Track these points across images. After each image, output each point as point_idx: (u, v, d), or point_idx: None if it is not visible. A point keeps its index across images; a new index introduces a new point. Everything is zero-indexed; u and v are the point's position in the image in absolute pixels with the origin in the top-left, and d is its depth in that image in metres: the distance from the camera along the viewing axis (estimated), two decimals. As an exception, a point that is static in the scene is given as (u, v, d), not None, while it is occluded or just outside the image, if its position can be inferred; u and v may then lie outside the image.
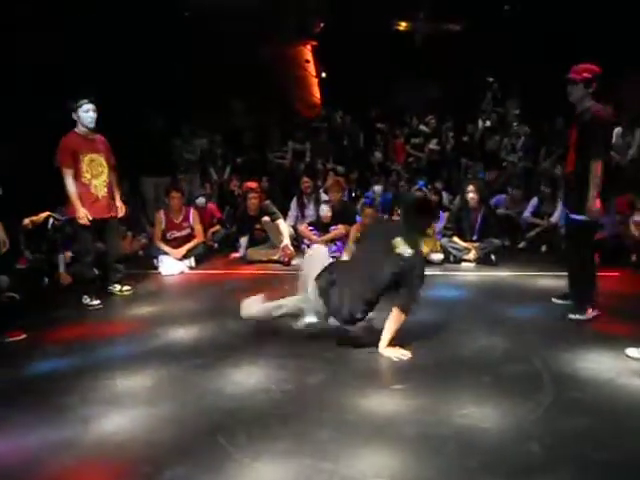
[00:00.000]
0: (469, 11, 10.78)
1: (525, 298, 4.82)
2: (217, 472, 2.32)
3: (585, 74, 3.93)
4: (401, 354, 3.41)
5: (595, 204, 3.82)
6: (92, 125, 4.94)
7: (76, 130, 4.94)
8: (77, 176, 4.89)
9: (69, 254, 5.78)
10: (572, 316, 4.10)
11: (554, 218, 6.84)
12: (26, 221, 5.79)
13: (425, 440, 2.50)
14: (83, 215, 4.84)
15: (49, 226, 5.92)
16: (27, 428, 2.78)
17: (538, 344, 3.61)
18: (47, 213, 5.99)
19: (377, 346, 3.51)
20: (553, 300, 4.52)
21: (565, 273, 4.45)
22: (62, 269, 5.70)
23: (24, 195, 5.76)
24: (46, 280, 5.66)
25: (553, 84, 9.16)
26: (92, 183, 4.96)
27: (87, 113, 4.88)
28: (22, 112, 6.78)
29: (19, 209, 5.76)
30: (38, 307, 4.98)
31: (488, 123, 10.19)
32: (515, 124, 9.60)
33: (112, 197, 5.17)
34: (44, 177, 5.27)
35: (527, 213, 7.17)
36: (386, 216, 7.43)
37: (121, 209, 5.28)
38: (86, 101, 4.88)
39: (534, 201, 7.21)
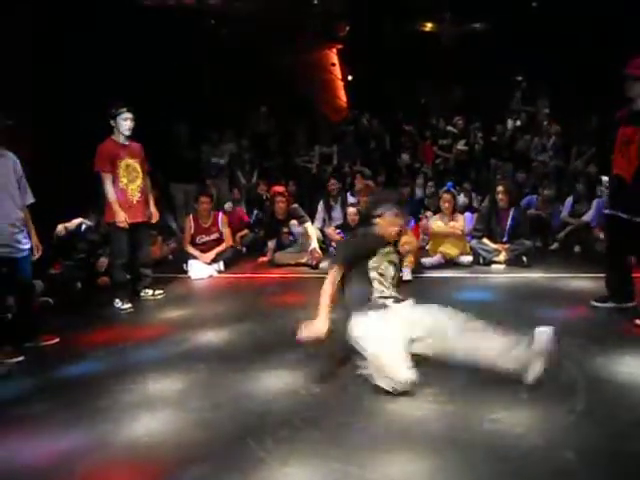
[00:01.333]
0: (496, 10, 10.65)
1: (558, 300, 4.71)
2: (247, 475, 2.32)
3: None
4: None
5: None
6: (129, 133, 5.07)
7: (113, 137, 5.08)
8: (114, 181, 5.01)
9: (104, 260, 5.89)
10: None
11: (587, 217, 6.70)
12: (59, 227, 5.93)
13: (454, 445, 2.45)
14: (123, 219, 4.96)
15: (82, 231, 6.05)
16: (59, 430, 2.83)
17: (572, 347, 3.52)
18: (80, 219, 6.12)
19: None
20: (592, 303, 4.33)
21: (601, 275, 4.35)
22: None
23: (56, 201, 5.88)
24: (79, 285, 5.77)
25: (583, 82, 9.00)
26: (128, 188, 5.08)
27: (125, 121, 5.01)
28: (51, 119, 6.94)
29: (52, 215, 5.89)
30: (71, 311, 5.09)
31: (518, 123, 10.03)
32: (545, 123, 9.43)
33: (146, 202, 5.27)
34: (74, 183, 5.40)
35: (565, 213, 7.04)
36: (412, 219, 7.37)
37: (155, 215, 5.38)
38: (125, 109, 5.01)
39: (569, 201, 7.08)
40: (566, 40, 9.52)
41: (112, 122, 5.04)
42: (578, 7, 9.42)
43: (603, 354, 3.39)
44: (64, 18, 7.13)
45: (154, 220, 5.42)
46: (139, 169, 5.16)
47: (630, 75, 3.79)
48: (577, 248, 6.73)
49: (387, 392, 2.94)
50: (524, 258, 6.06)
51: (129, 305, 5.03)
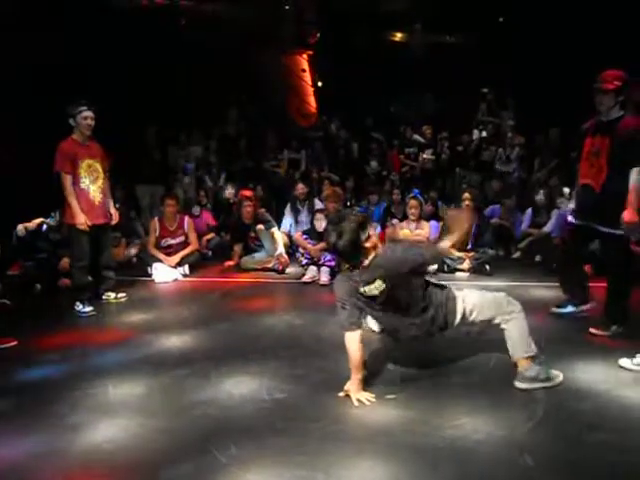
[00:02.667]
0: (465, 23, 10.86)
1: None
2: (208, 482, 2.30)
3: (616, 82, 3.82)
4: (365, 398, 2.96)
5: (634, 216, 3.66)
6: (89, 132, 4.97)
7: (73, 136, 4.96)
8: (75, 182, 4.90)
9: (67, 260, 5.76)
10: (594, 331, 3.98)
11: (547, 227, 6.87)
12: (19, 227, 5.77)
13: (418, 451, 2.48)
14: (83, 221, 4.85)
15: (43, 231, 5.92)
16: (16, 436, 2.75)
17: (532, 354, 3.61)
18: (40, 219, 5.97)
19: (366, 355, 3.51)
20: (552, 310, 4.46)
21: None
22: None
23: (16, 201, 5.74)
24: (38, 287, 5.63)
25: (547, 94, 9.22)
26: (90, 188, 4.98)
27: (85, 120, 4.91)
28: (13, 119, 6.78)
29: (11, 215, 5.75)
30: (30, 314, 4.96)
31: (484, 134, 10.22)
32: (510, 135, 9.64)
33: (106, 203, 5.17)
34: (36, 182, 5.27)
35: (525, 224, 7.19)
36: (379, 226, 7.44)
37: (114, 216, 5.28)
38: (85, 108, 4.91)
39: (529, 212, 7.24)
40: (531, 53, 9.76)
41: (72, 121, 4.93)
42: (544, 21, 9.68)
43: (561, 361, 3.47)
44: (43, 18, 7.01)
45: (114, 221, 5.32)
46: (100, 169, 5.07)
47: (600, 88, 3.89)
48: (538, 257, 6.88)
49: (351, 398, 2.96)
50: (487, 266, 6.17)
51: (91, 308, 4.92)
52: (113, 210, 5.28)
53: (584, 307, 4.32)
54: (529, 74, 9.75)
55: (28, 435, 2.76)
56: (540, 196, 7.17)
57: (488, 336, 3.98)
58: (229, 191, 8.24)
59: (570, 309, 4.38)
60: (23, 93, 6.79)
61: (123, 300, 5.28)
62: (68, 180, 4.84)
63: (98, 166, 5.05)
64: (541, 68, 9.54)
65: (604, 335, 3.93)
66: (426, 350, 3.71)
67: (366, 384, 3.13)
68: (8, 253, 4.91)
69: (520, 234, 7.24)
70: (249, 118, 10.51)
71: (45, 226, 6.00)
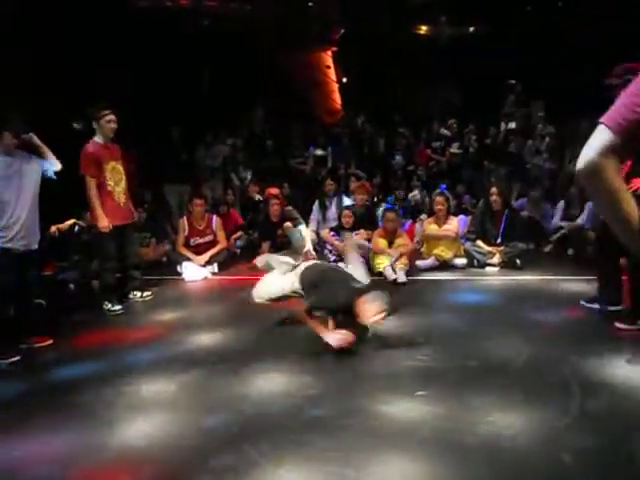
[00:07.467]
0: (491, 13, 10.68)
1: (552, 303, 4.72)
2: (241, 478, 2.31)
3: (626, 76, 3.65)
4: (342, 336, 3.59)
5: None
6: (112, 135, 5.05)
7: (96, 139, 5.04)
8: (102, 184, 4.98)
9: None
10: (620, 325, 3.91)
11: (580, 220, 6.72)
12: (52, 228, 5.89)
13: (450, 448, 2.45)
14: (107, 224, 4.93)
15: (75, 233, 6.03)
16: (52, 433, 2.81)
17: (565, 350, 3.53)
18: (72, 220, 6.09)
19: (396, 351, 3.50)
20: (581, 303, 4.40)
21: (593, 277, 4.38)
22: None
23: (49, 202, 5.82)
24: (72, 287, 5.74)
25: (577, 85, 9.02)
26: (115, 190, 5.07)
27: (109, 123, 5.00)
28: (43, 120, 6.89)
29: (44, 216, 5.85)
30: (64, 313, 5.06)
31: (512, 125, 10.04)
32: (540, 126, 9.45)
33: (129, 203, 5.27)
34: (67, 184, 5.37)
35: (556, 219, 7.04)
36: (407, 222, 7.38)
37: (134, 214, 5.43)
38: (108, 111, 4.99)
39: (561, 205, 7.09)
40: (559, 41, 9.57)
41: (94, 124, 5.02)
42: (572, 10, 9.47)
43: (597, 357, 3.40)
44: (62, 18, 7.09)
45: (135, 219, 5.49)
46: (122, 170, 5.17)
47: (609, 85, 3.77)
48: (570, 251, 6.74)
49: (381, 394, 2.94)
50: (517, 260, 6.06)
51: (119, 307, 5.00)
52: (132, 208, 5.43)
53: (612, 308, 4.17)
54: (557, 62, 9.55)
55: (63, 432, 2.81)
56: (573, 188, 7.02)
57: (521, 333, 3.94)
58: (256, 189, 8.28)
59: (597, 306, 4.28)
60: (45, 93, 6.89)
61: (149, 299, 5.35)
62: (92, 183, 4.92)
63: (120, 168, 5.15)
64: (570, 56, 9.34)
65: (632, 329, 3.84)
66: (455, 346, 3.68)
67: (396, 380, 3.11)
68: (42, 254, 5.00)
69: (552, 227, 7.10)
70: (275, 116, 10.51)
71: (77, 227, 6.12)
